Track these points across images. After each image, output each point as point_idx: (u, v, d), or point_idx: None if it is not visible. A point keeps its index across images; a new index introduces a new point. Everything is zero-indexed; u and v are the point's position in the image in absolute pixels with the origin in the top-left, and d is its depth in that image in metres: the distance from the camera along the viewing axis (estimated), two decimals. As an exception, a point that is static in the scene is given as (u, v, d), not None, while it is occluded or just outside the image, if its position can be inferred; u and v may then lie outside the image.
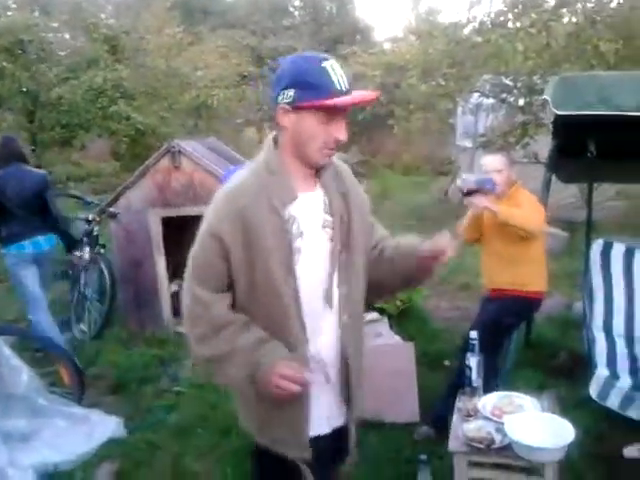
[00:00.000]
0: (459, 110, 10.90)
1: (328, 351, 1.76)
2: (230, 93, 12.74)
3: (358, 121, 15.51)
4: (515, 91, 6.99)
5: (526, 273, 3.32)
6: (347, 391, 1.81)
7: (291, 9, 24.33)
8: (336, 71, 1.56)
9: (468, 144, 10.57)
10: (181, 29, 13.43)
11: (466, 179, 3.25)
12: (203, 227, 1.68)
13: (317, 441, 1.78)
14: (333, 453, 1.87)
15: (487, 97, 7.52)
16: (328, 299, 1.72)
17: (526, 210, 3.21)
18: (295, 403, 1.69)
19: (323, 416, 1.79)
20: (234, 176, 1.74)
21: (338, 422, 1.84)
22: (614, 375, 3.46)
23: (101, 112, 10.61)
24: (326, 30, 22.06)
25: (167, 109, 11.87)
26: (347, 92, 1.57)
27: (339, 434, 1.85)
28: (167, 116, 11.67)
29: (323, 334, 1.74)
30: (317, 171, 1.71)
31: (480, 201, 3.17)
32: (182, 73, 12.02)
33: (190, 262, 1.71)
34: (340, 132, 1.61)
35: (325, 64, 1.56)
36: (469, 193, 3.21)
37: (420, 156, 15.61)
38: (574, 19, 6.39)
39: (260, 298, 1.66)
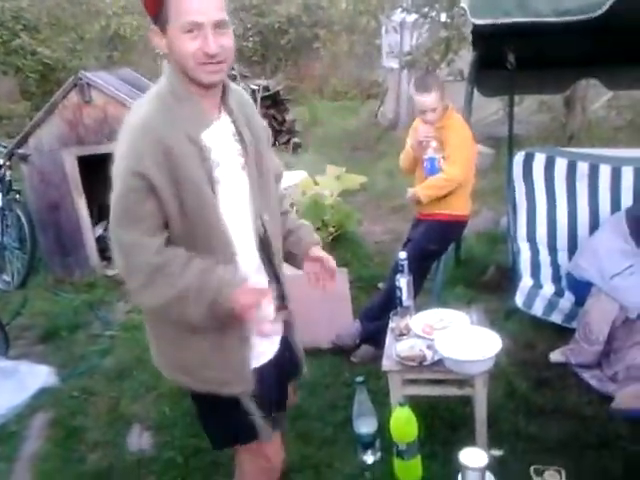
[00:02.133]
0: (383, 30, 10.67)
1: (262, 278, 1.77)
2: (145, 21, 11.97)
3: (282, 45, 15.04)
4: (437, 5, 6.83)
5: (451, 198, 3.37)
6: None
7: None
8: None
9: (394, 64, 10.41)
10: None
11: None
12: (121, 166, 1.55)
13: (261, 370, 1.78)
14: (281, 375, 1.89)
15: (409, 13, 7.33)
16: (254, 225, 1.71)
17: (453, 153, 3.27)
18: (236, 338, 1.69)
19: (265, 342, 1.79)
20: (137, 107, 1.61)
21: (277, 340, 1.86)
22: (538, 283, 3.58)
23: (2, 47, 9.80)
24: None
25: (77, 41, 11.07)
26: None
27: (283, 352, 1.88)
28: (78, 48, 10.91)
29: (254, 260, 1.75)
30: (221, 97, 1.65)
31: (409, 196, 3.41)
32: (88, 0, 11.17)
33: (115, 207, 1.56)
34: (205, 44, 1.51)
35: None
36: None
37: (348, 80, 15.34)
38: None
39: (195, 233, 1.60)
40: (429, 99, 3.27)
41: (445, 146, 3.32)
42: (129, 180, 1.52)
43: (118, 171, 1.55)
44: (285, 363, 1.90)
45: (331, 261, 1.89)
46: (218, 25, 1.52)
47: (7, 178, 5.28)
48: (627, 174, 3.58)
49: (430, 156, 3.37)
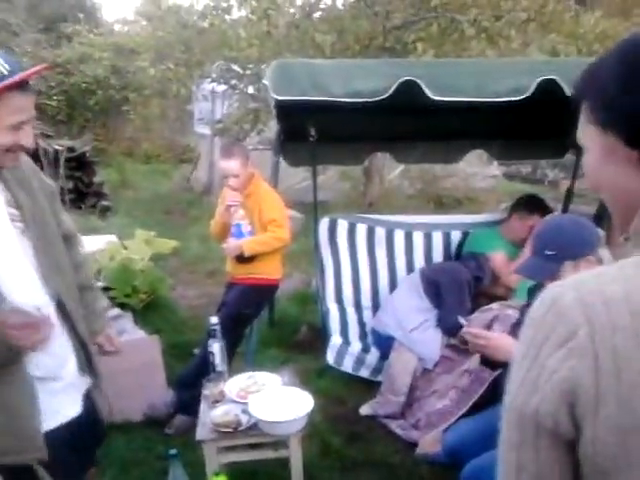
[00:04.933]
0: (194, 96, 10.87)
1: (53, 344, 1.65)
2: None
3: (90, 106, 14.51)
4: (245, 78, 7.17)
5: (264, 262, 3.49)
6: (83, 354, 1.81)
7: (1, -22, 21.61)
8: None
9: (206, 131, 10.60)
10: None
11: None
12: None
13: (56, 434, 1.67)
14: (80, 441, 1.79)
15: (219, 83, 7.58)
16: (39, 290, 1.66)
17: (268, 212, 3.42)
18: (22, 395, 1.59)
19: (60, 406, 1.72)
20: None
21: (78, 402, 1.79)
22: (346, 341, 3.79)
23: None
24: (46, 6, 20.07)
25: None
26: (14, 76, 1.49)
27: (83, 417, 1.80)
28: None
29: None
30: None
31: (229, 250, 3.47)
32: None
33: None
34: (27, 139, 1.57)
35: None
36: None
37: (160, 143, 15.21)
38: (292, 10, 6.77)
39: None
40: (231, 165, 3.40)
41: (254, 213, 3.43)
42: None
43: None
44: (84, 429, 1.81)
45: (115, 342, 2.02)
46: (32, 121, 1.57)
47: None
48: (418, 238, 4.01)
49: (237, 222, 3.46)
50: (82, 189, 9.18)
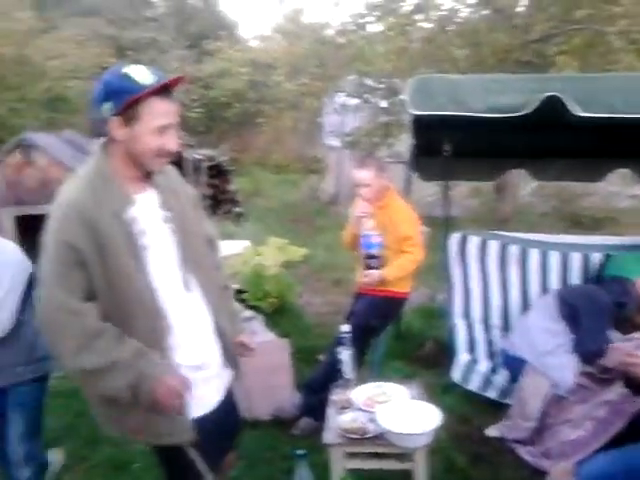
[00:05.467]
0: (326, 110, 11.14)
1: (200, 334, 1.88)
2: (90, 85, 12.02)
3: (228, 118, 15.38)
4: (377, 92, 7.25)
5: None
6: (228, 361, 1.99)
7: (152, 0, 23.47)
8: (139, 72, 1.69)
9: (336, 143, 10.83)
10: (32, 14, 12.44)
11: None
12: (54, 237, 1.69)
13: (203, 421, 1.85)
14: (223, 427, 1.97)
15: (352, 97, 7.73)
16: (186, 285, 1.84)
17: (403, 228, 3.44)
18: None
19: (206, 394, 1.89)
20: (66, 187, 1.77)
21: (221, 391, 1.97)
22: (474, 359, 3.71)
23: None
24: (191, 24, 21.55)
25: (19, 100, 10.96)
26: (157, 84, 1.68)
27: (225, 406, 1.97)
28: (19, 107, 10.78)
29: (189, 319, 1.85)
30: (147, 174, 1.82)
31: (371, 280, 3.45)
32: (34, 62, 11.15)
33: (49, 271, 1.69)
34: (171, 143, 1.74)
35: (125, 70, 1.69)
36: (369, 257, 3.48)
37: (290, 154, 15.77)
38: (428, 25, 6.75)
39: (121, 300, 1.72)
40: (364, 175, 3.45)
41: (387, 226, 3.46)
42: (62, 249, 1.67)
43: (51, 240, 1.70)
44: (225, 417, 1.98)
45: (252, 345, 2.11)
46: (175, 126, 1.75)
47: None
48: (553, 259, 3.83)
49: (366, 232, 3.49)
50: (218, 196, 9.74)
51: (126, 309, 1.73)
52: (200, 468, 1.83)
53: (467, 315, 3.87)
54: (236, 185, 10.30)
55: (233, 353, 2.01)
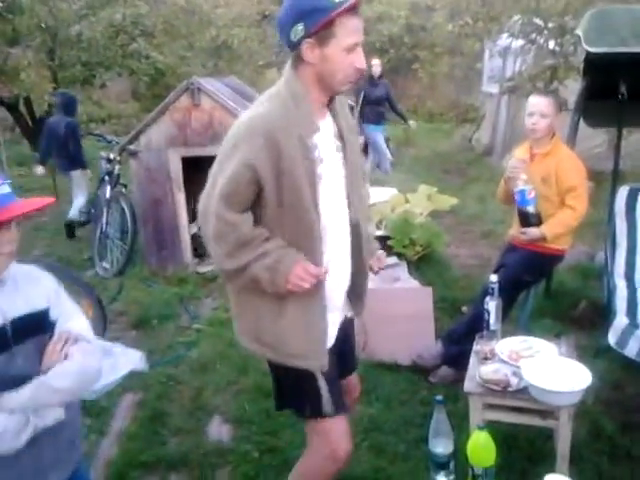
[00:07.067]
0: (486, 54, 10.56)
1: (344, 268, 1.94)
2: (251, 33, 12.45)
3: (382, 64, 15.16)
4: (546, 32, 6.70)
5: None
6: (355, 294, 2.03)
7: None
8: None
9: (494, 90, 10.27)
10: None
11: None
12: (235, 155, 1.71)
13: (331, 350, 1.93)
14: (342, 355, 2.04)
15: (516, 38, 7.22)
16: (350, 218, 1.89)
17: (569, 177, 3.20)
18: (314, 312, 1.84)
19: (336, 321, 1.97)
20: (258, 105, 1.78)
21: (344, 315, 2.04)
22: (634, 323, 3.41)
23: (121, 50, 10.45)
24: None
25: (187, 48, 11.65)
26: (350, 1, 1.64)
27: (345, 332, 2.05)
28: (187, 55, 11.48)
29: (341, 252, 1.91)
30: (329, 100, 1.84)
31: (530, 237, 3.29)
32: (202, 11, 11.72)
33: (223, 187, 1.73)
34: (359, 61, 1.72)
35: None
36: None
37: (444, 102, 15.26)
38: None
39: (286, 221, 1.78)
40: (543, 102, 3.23)
41: (550, 174, 3.25)
42: (240, 169, 1.70)
43: (230, 158, 1.72)
44: (342, 347, 2.03)
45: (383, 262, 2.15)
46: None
47: (116, 172, 5.64)
48: None
49: (520, 188, 3.28)
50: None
51: (292, 238, 1.78)
52: (324, 397, 1.87)
53: (630, 276, 3.56)
54: (387, 132, 10.22)
55: (363, 287, 2.05)
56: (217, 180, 1.75)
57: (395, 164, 9.28)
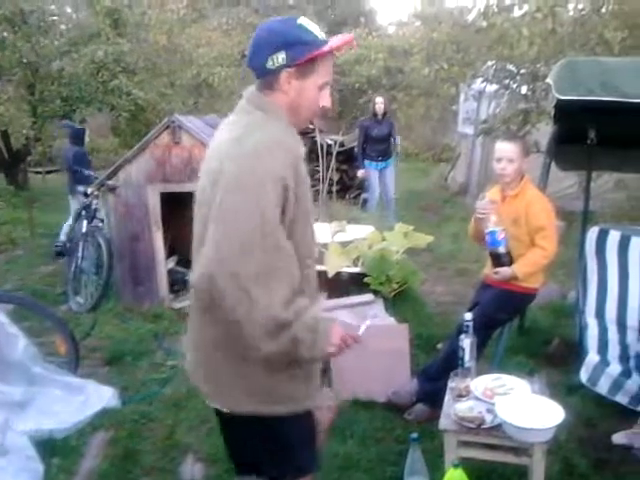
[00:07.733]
0: (461, 97, 10.86)
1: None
2: (231, 71, 12.63)
3: (360, 105, 15.46)
4: (518, 77, 6.93)
5: None
6: None
7: (295, -12, 24.06)
8: (312, 25, 1.68)
9: (469, 131, 10.54)
10: (184, 5, 13.26)
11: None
12: (266, 175, 1.55)
13: None
14: None
15: (490, 83, 7.45)
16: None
17: (537, 218, 3.29)
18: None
19: None
20: (249, 134, 1.64)
21: None
22: (604, 361, 3.49)
23: (102, 86, 10.51)
24: (330, 11, 21.88)
25: (168, 86, 11.78)
26: (339, 41, 1.70)
27: None
28: (168, 93, 11.58)
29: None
30: None
31: (502, 277, 3.36)
32: (184, 50, 11.91)
33: (238, 240, 1.53)
34: (326, 99, 1.75)
35: (300, 21, 1.67)
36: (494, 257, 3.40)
37: (421, 142, 15.59)
38: (580, 6, 6.33)
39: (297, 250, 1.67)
40: (510, 147, 3.32)
41: (520, 215, 3.34)
42: (278, 188, 1.56)
43: (258, 181, 1.55)
44: None
45: None
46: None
47: (93, 207, 5.63)
48: None
49: (490, 230, 3.34)
50: (347, 182, 9.87)
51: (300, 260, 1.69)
52: (317, 430, 1.90)
53: (601, 314, 3.64)
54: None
55: None
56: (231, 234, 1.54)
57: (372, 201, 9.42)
